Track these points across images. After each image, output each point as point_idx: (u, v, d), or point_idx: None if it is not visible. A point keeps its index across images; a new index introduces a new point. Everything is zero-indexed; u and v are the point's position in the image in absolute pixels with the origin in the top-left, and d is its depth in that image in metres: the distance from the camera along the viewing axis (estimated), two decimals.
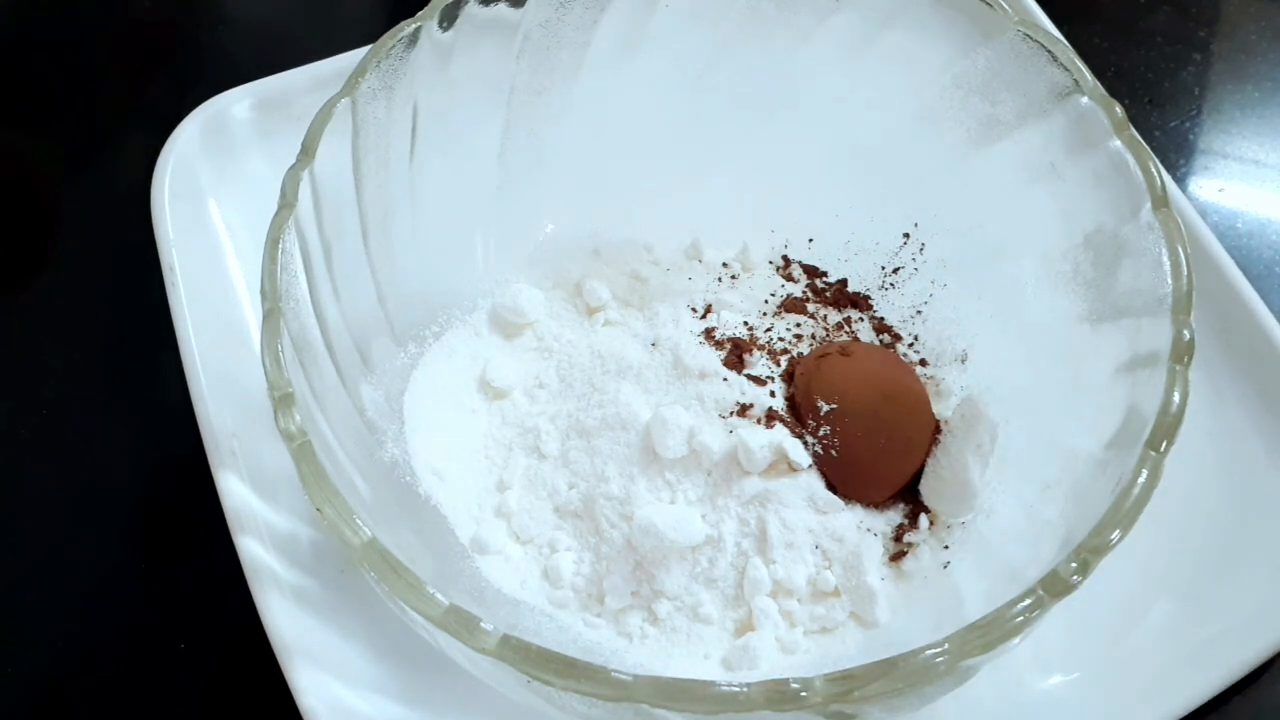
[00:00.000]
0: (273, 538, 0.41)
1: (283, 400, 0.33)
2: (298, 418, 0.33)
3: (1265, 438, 0.43)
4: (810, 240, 0.48)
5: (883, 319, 0.46)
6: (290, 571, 0.40)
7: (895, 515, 0.41)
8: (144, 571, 0.46)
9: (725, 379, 0.42)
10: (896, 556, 0.40)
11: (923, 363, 0.45)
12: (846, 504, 0.40)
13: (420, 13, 0.41)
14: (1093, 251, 0.39)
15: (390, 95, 0.41)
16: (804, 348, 0.44)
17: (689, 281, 0.47)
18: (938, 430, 0.42)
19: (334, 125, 0.38)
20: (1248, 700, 0.40)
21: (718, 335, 0.44)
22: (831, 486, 0.40)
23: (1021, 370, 0.42)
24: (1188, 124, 0.57)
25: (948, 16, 0.42)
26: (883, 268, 0.47)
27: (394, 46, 0.40)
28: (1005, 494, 0.40)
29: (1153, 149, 0.38)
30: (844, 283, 0.47)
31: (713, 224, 0.48)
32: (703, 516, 0.39)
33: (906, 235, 0.46)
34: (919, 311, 0.46)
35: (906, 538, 0.41)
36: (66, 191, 0.57)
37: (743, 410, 0.41)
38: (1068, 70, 0.39)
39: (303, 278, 0.37)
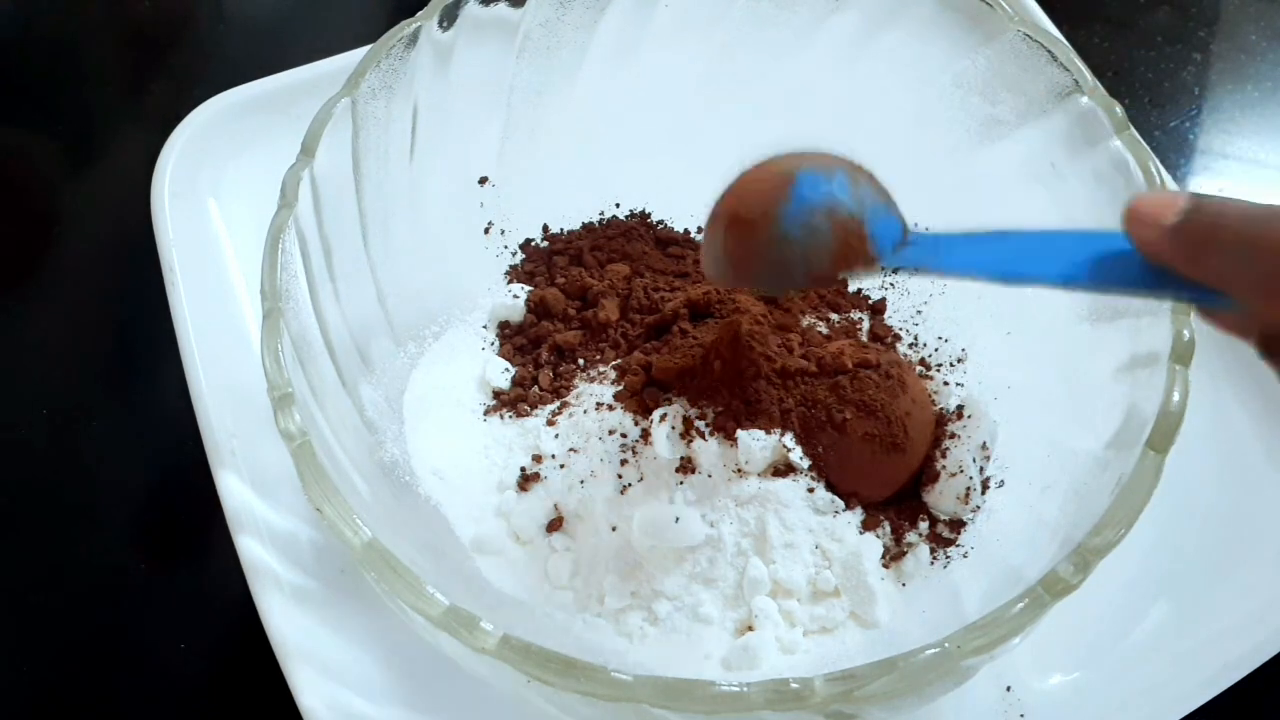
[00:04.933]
0: (273, 538, 0.41)
1: (283, 400, 0.33)
2: (298, 418, 0.33)
3: (1265, 438, 0.43)
4: None
5: (883, 319, 0.46)
6: (290, 571, 0.40)
7: (895, 515, 0.41)
8: (144, 571, 0.46)
9: None
10: (896, 556, 0.40)
11: (923, 363, 0.45)
12: (846, 504, 0.40)
13: (420, 13, 0.41)
14: None
15: (390, 95, 0.41)
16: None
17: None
18: (938, 430, 0.42)
19: (334, 125, 0.38)
20: (1248, 700, 0.40)
21: None
22: (831, 486, 0.40)
23: (1021, 370, 0.42)
24: (1188, 124, 0.57)
25: (948, 16, 0.42)
26: (883, 268, 0.47)
27: (394, 46, 0.40)
28: (1005, 494, 0.40)
29: (1153, 149, 0.39)
30: (844, 283, 0.47)
31: None
32: (702, 516, 0.39)
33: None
34: (919, 311, 0.46)
35: (906, 538, 0.41)
36: (66, 191, 0.57)
37: None
38: (1068, 70, 0.39)
39: (303, 278, 0.37)
